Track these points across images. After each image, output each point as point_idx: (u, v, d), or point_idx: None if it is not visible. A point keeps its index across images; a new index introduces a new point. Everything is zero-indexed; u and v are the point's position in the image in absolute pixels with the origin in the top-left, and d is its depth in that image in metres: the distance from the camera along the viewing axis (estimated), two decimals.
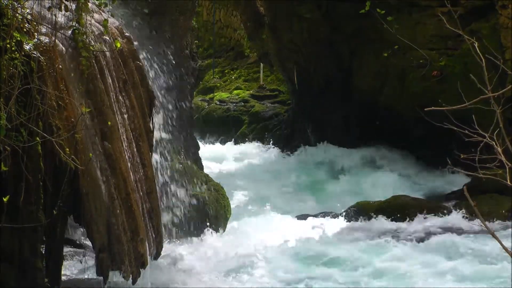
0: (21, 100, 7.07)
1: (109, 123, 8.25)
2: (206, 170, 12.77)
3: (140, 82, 9.24)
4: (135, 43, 9.63)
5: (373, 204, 13.74)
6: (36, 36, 7.59)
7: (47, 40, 7.63)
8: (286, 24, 18.10)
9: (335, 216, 13.75)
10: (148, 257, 8.94)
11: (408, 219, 13.19)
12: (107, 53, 8.57)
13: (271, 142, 20.01)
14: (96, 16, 8.73)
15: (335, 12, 17.17)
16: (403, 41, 15.59)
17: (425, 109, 5.30)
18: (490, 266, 10.84)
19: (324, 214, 14.00)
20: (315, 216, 13.92)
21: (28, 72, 7.14)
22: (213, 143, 21.02)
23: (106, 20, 8.39)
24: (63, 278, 8.71)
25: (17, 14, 7.14)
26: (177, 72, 11.72)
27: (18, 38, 7.09)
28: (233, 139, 21.17)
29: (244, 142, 20.87)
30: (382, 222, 13.14)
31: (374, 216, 13.33)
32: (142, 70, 9.43)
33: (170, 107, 11.27)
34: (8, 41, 6.93)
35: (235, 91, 24.07)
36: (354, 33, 16.98)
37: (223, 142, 21.08)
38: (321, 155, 18.26)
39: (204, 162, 12.91)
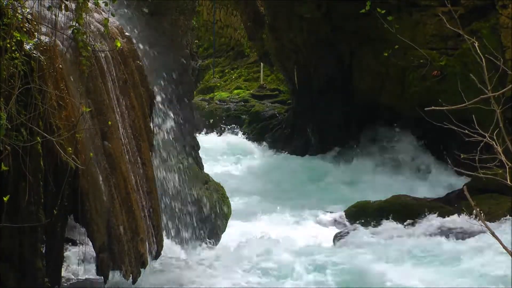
0: (21, 100, 7.07)
1: (109, 122, 8.25)
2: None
3: (140, 82, 9.24)
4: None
5: (373, 204, 13.74)
6: (36, 36, 7.59)
7: (47, 39, 7.63)
8: (286, 24, 18.10)
9: (335, 216, 13.75)
10: (148, 257, 8.94)
11: (408, 219, 13.18)
12: (107, 53, 8.56)
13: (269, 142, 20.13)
14: (96, 15, 8.73)
15: (335, 12, 17.17)
16: (403, 41, 15.55)
17: (425, 109, 5.30)
18: (490, 265, 10.83)
19: (324, 214, 14.00)
20: (315, 216, 13.92)
21: (29, 71, 7.14)
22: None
23: (106, 19, 8.39)
24: (63, 278, 8.71)
25: (17, 14, 7.14)
26: (177, 71, 11.71)
27: (18, 38, 7.09)
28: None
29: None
30: (382, 222, 13.14)
31: (374, 215, 13.32)
32: (142, 69, 9.43)
33: (170, 106, 11.27)
34: (8, 40, 6.92)
35: (235, 91, 24.08)
36: (354, 33, 16.98)
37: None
38: (321, 154, 18.27)
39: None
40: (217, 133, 21.41)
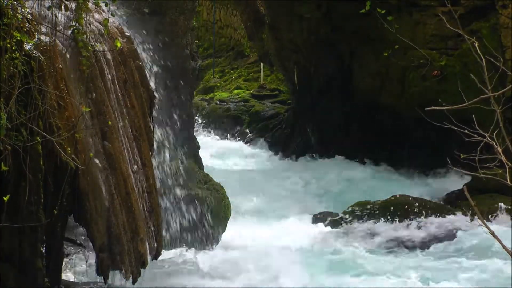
0: (21, 100, 7.07)
1: (109, 122, 8.25)
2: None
3: (140, 82, 9.24)
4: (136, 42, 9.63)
5: (373, 204, 13.73)
6: (36, 36, 7.59)
7: (47, 39, 7.63)
8: (286, 24, 18.10)
9: (335, 216, 13.74)
10: (148, 257, 8.94)
11: (408, 219, 13.18)
12: (108, 53, 8.56)
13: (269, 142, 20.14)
14: (96, 15, 8.73)
15: (335, 12, 17.17)
16: (403, 41, 15.59)
17: (425, 108, 5.31)
18: (490, 266, 10.84)
19: (324, 214, 13.99)
20: (315, 216, 13.92)
21: (29, 71, 7.14)
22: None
23: (106, 19, 8.39)
24: (63, 278, 8.71)
25: (17, 14, 7.14)
26: (177, 71, 11.71)
27: (18, 38, 7.09)
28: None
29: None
30: (382, 222, 13.14)
31: (374, 216, 13.32)
32: (142, 69, 9.43)
33: (170, 106, 11.27)
34: (8, 40, 6.93)
35: (235, 91, 24.07)
36: (354, 33, 16.99)
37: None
38: (321, 154, 18.27)
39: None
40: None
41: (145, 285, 9.27)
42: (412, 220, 13.16)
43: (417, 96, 15.95)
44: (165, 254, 10.28)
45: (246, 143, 20.79)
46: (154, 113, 9.87)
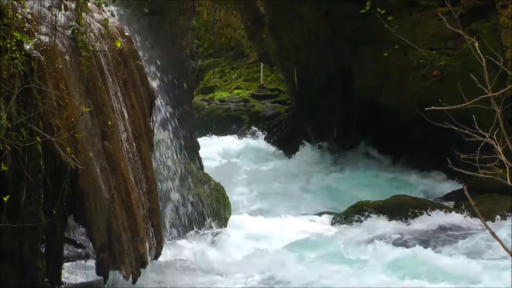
0: (21, 100, 7.07)
1: (109, 122, 8.25)
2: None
3: (140, 82, 9.24)
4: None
5: (373, 204, 13.73)
6: (36, 36, 7.59)
7: (47, 39, 7.63)
8: (286, 24, 18.10)
9: (336, 215, 13.74)
10: (148, 257, 8.95)
11: (408, 219, 13.19)
12: (108, 53, 8.57)
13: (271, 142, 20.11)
14: (96, 15, 8.74)
15: (335, 12, 17.17)
16: (403, 41, 15.59)
17: (425, 108, 5.31)
18: (490, 266, 10.84)
19: (324, 214, 13.99)
20: (315, 216, 13.92)
21: (29, 71, 7.14)
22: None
23: (106, 19, 8.39)
24: (63, 278, 8.71)
25: (17, 14, 7.14)
26: (177, 71, 11.72)
27: (18, 38, 7.09)
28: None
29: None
30: (382, 222, 13.14)
31: (374, 216, 13.32)
32: (142, 69, 9.44)
33: (170, 107, 11.28)
34: (8, 40, 6.92)
35: (235, 91, 24.08)
36: (354, 33, 16.98)
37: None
38: (321, 154, 18.27)
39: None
40: None
41: (144, 284, 9.27)
42: (412, 220, 13.16)
43: (417, 96, 15.94)
44: (166, 254, 10.29)
45: (245, 143, 20.78)
46: (154, 113, 9.87)
